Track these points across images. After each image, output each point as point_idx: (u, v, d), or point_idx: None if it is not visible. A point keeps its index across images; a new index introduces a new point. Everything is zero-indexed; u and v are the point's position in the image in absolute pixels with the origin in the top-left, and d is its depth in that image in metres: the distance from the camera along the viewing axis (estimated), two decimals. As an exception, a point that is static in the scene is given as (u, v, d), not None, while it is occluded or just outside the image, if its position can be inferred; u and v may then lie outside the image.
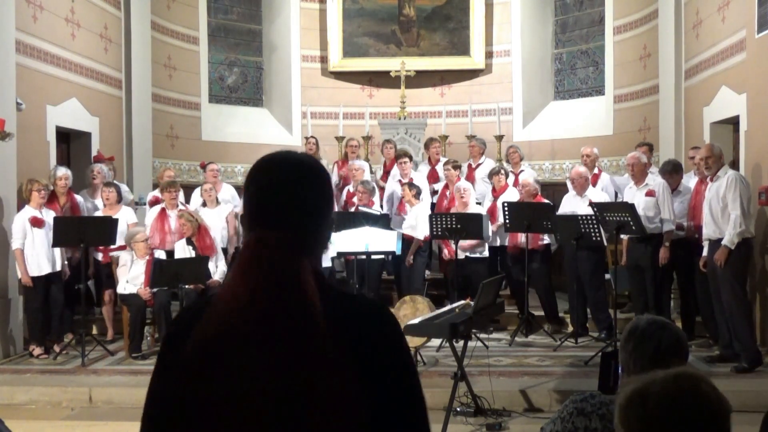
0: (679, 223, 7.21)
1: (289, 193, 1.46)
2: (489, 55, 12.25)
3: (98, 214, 7.90)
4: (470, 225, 7.64)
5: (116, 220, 7.40)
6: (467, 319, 5.22)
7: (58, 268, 7.36)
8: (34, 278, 7.12)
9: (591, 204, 7.29)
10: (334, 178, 9.77)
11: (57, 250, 7.32)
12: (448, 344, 5.78)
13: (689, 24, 9.29)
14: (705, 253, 6.63)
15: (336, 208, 8.63)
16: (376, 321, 1.45)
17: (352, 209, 8.65)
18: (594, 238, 7.19)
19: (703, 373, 1.52)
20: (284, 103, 12.46)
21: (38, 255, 7.15)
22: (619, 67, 11.28)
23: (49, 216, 7.23)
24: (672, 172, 7.47)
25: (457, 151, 10.88)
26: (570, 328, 7.95)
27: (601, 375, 2.62)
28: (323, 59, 12.41)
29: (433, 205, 9.00)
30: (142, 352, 7.26)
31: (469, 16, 12.09)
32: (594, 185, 8.24)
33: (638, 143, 8.81)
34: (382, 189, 9.38)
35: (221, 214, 8.44)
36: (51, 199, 7.45)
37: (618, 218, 6.80)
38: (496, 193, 8.57)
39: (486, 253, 8.22)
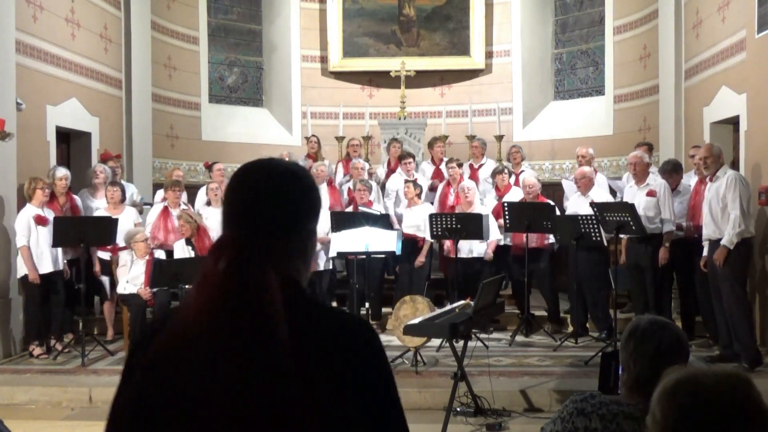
0: (679, 223, 7.21)
1: (256, 196, 1.43)
2: (489, 55, 12.26)
3: (99, 213, 7.90)
4: (470, 225, 7.64)
5: (116, 220, 7.41)
6: (467, 319, 5.23)
7: (60, 267, 7.38)
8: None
9: (591, 204, 7.30)
10: (339, 178, 9.78)
11: (58, 250, 7.32)
12: (448, 344, 5.79)
13: (689, 24, 9.29)
14: (705, 253, 6.63)
15: (340, 208, 8.66)
16: (354, 336, 1.40)
17: (350, 209, 8.66)
18: (594, 238, 7.19)
19: (751, 379, 1.53)
20: (284, 103, 12.46)
21: (41, 253, 7.16)
22: (619, 67, 11.28)
23: (49, 215, 7.24)
24: (671, 171, 7.47)
25: (458, 151, 10.88)
26: (570, 328, 7.96)
27: (601, 375, 2.61)
28: (323, 59, 12.42)
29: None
30: (142, 352, 7.24)
31: (469, 16, 12.10)
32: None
33: (638, 143, 8.81)
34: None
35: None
36: (50, 199, 7.44)
37: (618, 218, 6.80)
38: (501, 192, 8.57)
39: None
